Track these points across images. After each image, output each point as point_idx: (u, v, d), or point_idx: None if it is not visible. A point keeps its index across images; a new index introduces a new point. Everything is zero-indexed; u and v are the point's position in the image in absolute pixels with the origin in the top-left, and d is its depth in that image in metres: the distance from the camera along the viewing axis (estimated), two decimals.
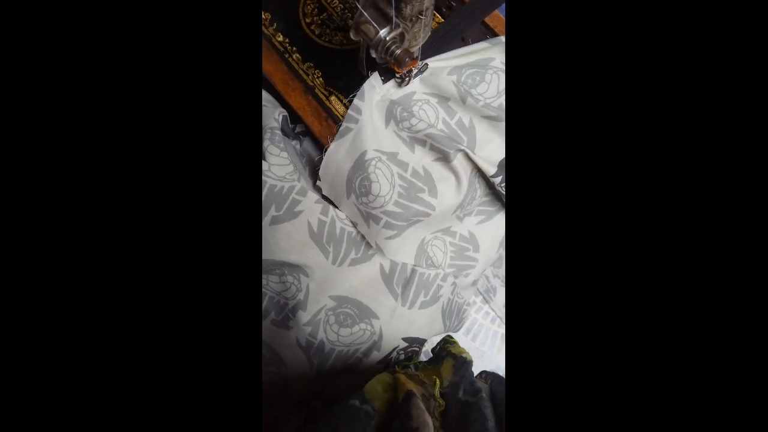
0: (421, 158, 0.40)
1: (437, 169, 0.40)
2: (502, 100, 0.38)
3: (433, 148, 0.39)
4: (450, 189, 0.40)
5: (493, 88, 0.38)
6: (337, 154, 0.39)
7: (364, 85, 0.38)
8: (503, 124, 0.38)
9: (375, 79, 0.38)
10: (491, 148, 0.39)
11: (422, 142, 0.40)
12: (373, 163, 0.38)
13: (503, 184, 0.40)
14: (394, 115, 0.39)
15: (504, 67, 0.38)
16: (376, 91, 0.38)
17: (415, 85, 0.39)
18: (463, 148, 0.38)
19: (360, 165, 0.39)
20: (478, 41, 0.40)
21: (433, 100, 0.39)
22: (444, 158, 0.39)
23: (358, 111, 0.38)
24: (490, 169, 0.39)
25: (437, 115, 0.38)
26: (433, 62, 0.39)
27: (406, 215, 0.39)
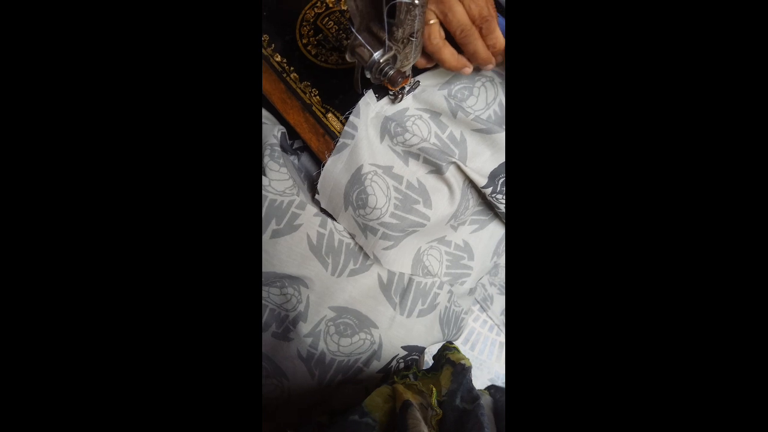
0: (415, 171, 0.41)
1: (431, 181, 0.41)
2: (490, 111, 0.39)
3: (427, 161, 0.41)
4: (443, 200, 0.41)
5: (481, 101, 0.39)
6: (335, 169, 0.41)
7: (360, 102, 0.40)
8: (493, 137, 0.40)
9: (369, 96, 0.40)
10: (482, 160, 0.41)
11: (416, 156, 0.41)
12: (370, 176, 0.40)
13: (494, 195, 0.42)
14: (388, 130, 0.40)
15: (491, 77, 0.40)
16: (371, 108, 0.40)
17: (408, 101, 0.41)
18: (455, 160, 0.40)
19: (357, 179, 0.40)
20: None
21: (426, 116, 0.40)
22: (437, 170, 0.41)
23: (354, 127, 0.39)
24: (481, 180, 0.40)
25: (430, 130, 0.40)
26: (425, 79, 0.41)
27: (402, 226, 0.41)
